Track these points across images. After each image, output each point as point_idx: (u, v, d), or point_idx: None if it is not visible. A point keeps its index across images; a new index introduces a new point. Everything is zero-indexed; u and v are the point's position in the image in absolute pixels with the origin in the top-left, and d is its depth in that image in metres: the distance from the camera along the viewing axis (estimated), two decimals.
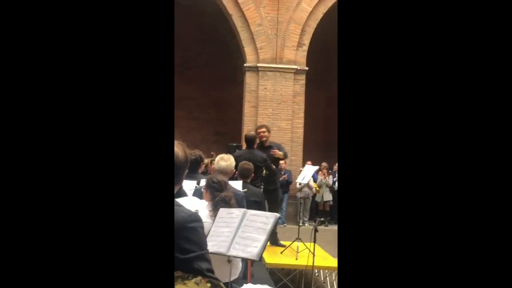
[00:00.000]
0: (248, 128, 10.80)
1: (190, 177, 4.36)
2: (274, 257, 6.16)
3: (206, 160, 7.08)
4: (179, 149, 1.78)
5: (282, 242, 6.55)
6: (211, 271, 1.77)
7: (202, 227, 1.82)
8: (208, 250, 1.83)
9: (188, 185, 4.13)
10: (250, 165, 4.72)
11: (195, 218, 1.78)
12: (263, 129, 6.41)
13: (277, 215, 2.98)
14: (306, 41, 11.43)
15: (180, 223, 1.70)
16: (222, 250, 2.84)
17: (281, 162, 10.83)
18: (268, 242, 6.37)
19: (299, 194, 9.86)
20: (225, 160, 4.03)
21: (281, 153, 6.33)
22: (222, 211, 3.04)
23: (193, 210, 3.08)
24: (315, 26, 11.41)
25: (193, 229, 1.74)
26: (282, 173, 11.00)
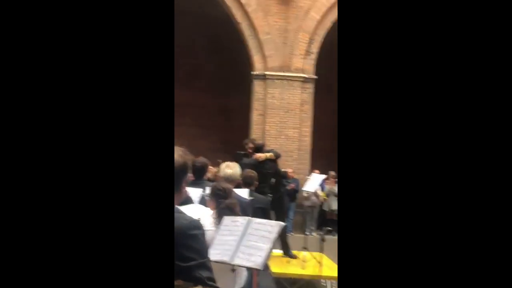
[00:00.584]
0: (255, 136, 10.77)
1: (196, 184, 4.33)
2: (281, 266, 6.11)
3: (215, 168, 7.07)
4: (176, 154, 1.75)
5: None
6: (212, 279, 1.74)
7: (203, 235, 1.79)
8: (209, 258, 1.79)
9: (194, 193, 4.10)
10: (254, 173, 4.68)
11: (196, 225, 1.75)
12: (251, 145, 6.36)
13: (282, 223, 2.93)
14: (315, 49, 11.42)
15: (181, 230, 1.67)
16: (226, 258, 2.80)
17: (289, 170, 10.86)
18: (282, 253, 6.40)
19: (306, 203, 9.78)
20: (231, 168, 4.00)
21: (265, 154, 6.23)
22: (226, 219, 3.00)
23: (195, 217, 3.05)
24: (323, 34, 11.40)
25: (194, 237, 1.71)
26: (289, 181, 10.96)
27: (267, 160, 6.16)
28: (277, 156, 6.29)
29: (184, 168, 1.77)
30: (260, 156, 6.15)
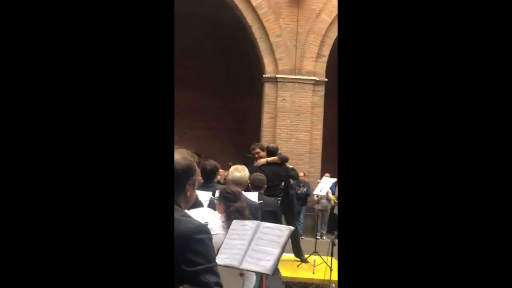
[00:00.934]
0: (266, 139, 10.74)
1: (206, 187, 4.31)
2: (291, 270, 6.07)
3: (225, 172, 7.05)
4: (180, 156, 1.72)
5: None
6: (220, 284, 1.70)
7: (211, 239, 1.75)
8: (216, 263, 1.76)
9: (204, 196, 4.08)
10: (262, 176, 4.65)
11: (203, 229, 1.72)
12: (257, 150, 6.31)
13: (292, 228, 2.89)
14: (326, 52, 11.35)
15: (187, 234, 1.64)
16: (234, 263, 2.76)
17: (301, 174, 10.79)
18: (293, 256, 6.34)
19: (317, 207, 9.71)
20: (239, 171, 3.97)
21: (266, 159, 6.17)
22: (235, 223, 2.97)
23: (203, 221, 3.02)
24: (335, 37, 11.32)
25: (200, 241, 1.68)
26: (301, 185, 10.90)
27: (272, 163, 6.10)
28: (284, 159, 6.20)
29: (188, 171, 1.73)
30: (259, 162, 6.10)
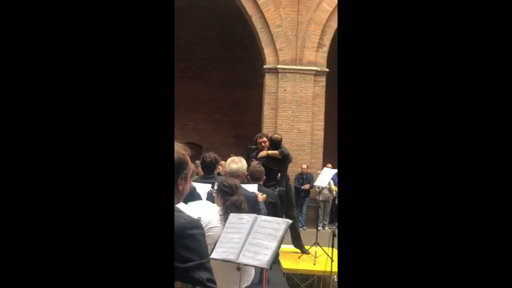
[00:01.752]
0: (268, 130, 10.70)
1: (206, 179, 4.28)
2: (292, 262, 6.06)
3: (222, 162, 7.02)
4: None
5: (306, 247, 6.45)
6: (212, 281, 1.67)
7: (203, 235, 1.72)
8: (209, 259, 1.73)
9: (203, 188, 4.05)
10: (261, 167, 4.62)
11: (194, 225, 1.68)
12: (264, 139, 6.27)
13: (289, 221, 2.85)
14: (327, 42, 11.26)
15: (179, 230, 1.60)
16: (231, 257, 2.74)
17: (303, 166, 10.74)
18: (293, 248, 6.31)
19: (318, 197, 9.67)
20: (236, 163, 3.92)
21: (267, 152, 6.14)
22: (232, 217, 2.93)
23: (201, 215, 2.99)
24: (336, 26, 11.22)
25: (192, 237, 1.65)
26: (304, 177, 10.88)
27: (273, 157, 6.08)
28: (284, 156, 6.14)
29: (179, 164, 1.69)
30: (262, 154, 6.09)
